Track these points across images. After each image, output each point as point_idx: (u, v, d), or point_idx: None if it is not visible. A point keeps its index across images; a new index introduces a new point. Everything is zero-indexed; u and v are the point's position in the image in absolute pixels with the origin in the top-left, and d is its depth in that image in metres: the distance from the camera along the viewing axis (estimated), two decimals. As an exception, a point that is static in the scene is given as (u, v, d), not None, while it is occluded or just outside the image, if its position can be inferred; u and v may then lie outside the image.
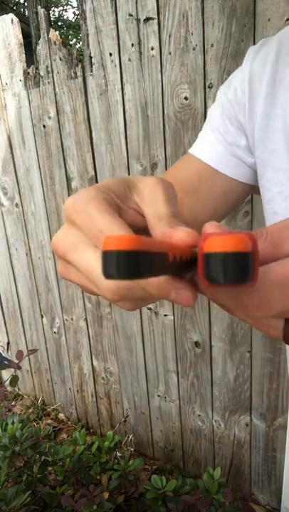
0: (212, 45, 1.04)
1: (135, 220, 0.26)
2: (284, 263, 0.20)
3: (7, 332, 2.04)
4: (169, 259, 0.19)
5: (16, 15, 1.47)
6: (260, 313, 0.21)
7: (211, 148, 0.54)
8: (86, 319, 1.64)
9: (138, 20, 1.14)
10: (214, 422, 1.42)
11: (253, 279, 0.16)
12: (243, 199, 0.58)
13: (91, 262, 0.23)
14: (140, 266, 0.16)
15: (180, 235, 0.21)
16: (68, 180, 1.48)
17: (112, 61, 1.23)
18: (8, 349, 2.08)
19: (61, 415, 1.94)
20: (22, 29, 1.46)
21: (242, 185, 0.54)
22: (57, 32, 1.35)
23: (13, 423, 1.35)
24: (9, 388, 2.14)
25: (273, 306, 0.21)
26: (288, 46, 0.46)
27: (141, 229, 0.26)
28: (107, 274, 0.17)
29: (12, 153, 1.62)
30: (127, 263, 0.16)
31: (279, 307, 0.21)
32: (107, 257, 0.17)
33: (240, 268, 0.16)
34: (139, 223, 0.26)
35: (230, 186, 0.54)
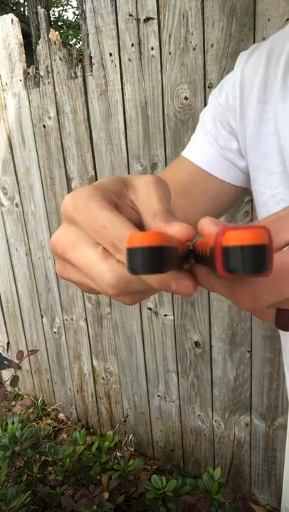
0: (212, 45, 1.04)
1: (131, 217, 0.27)
2: (277, 258, 0.21)
3: (7, 332, 2.04)
4: (178, 253, 0.20)
5: (16, 15, 1.47)
6: (252, 304, 0.21)
7: (204, 151, 0.54)
8: (86, 319, 1.64)
9: (138, 20, 1.14)
10: (214, 422, 1.42)
11: (269, 269, 0.17)
12: (236, 201, 0.59)
13: (90, 258, 0.23)
14: (164, 260, 0.17)
15: (176, 229, 0.22)
16: (68, 180, 1.48)
17: (112, 61, 1.23)
18: (8, 349, 2.08)
19: (61, 415, 1.94)
20: (22, 29, 1.46)
21: (234, 188, 0.55)
22: (57, 32, 1.35)
23: (13, 423, 1.35)
24: (9, 388, 2.14)
25: (265, 299, 0.21)
26: (279, 52, 0.46)
27: (137, 225, 0.26)
28: (132, 269, 0.18)
29: (12, 153, 1.62)
30: (153, 259, 0.17)
31: (270, 300, 0.21)
32: (132, 253, 0.17)
33: (258, 259, 0.17)
34: (135, 220, 0.26)
35: (223, 189, 0.55)
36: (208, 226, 0.22)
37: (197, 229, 0.23)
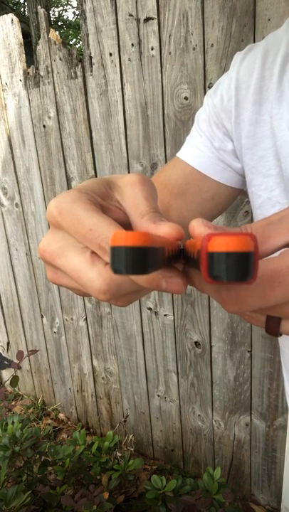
0: (212, 45, 1.04)
1: (119, 218, 0.26)
2: (264, 263, 0.21)
3: (7, 332, 2.04)
4: (166, 254, 0.19)
5: (16, 15, 1.47)
6: (236, 308, 0.21)
7: (199, 152, 0.54)
8: (86, 319, 1.64)
9: (138, 20, 1.14)
10: (214, 422, 1.41)
11: (253, 277, 0.16)
12: (231, 203, 0.59)
13: (79, 264, 0.23)
14: (148, 261, 0.17)
15: (164, 230, 0.22)
16: (68, 180, 1.48)
17: (112, 61, 1.23)
18: (8, 349, 2.08)
19: (61, 415, 1.94)
20: (22, 29, 1.46)
21: (230, 189, 0.55)
22: (57, 32, 1.35)
23: (13, 423, 1.35)
24: (9, 388, 2.14)
25: (250, 304, 0.21)
26: (274, 54, 0.46)
27: (125, 225, 0.26)
28: (115, 269, 0.17)
29: (12, 153, 1.62)
30: (137, 259, 0.16)
31: (256, 305, 0.21)
32: (115, 252, 0.17)
33: (242, 267, 0.16)
34: (122, 220, 0.26)
35: (218, 191, 0.54)
36: (199, 228, 0.22)
37: (188, 230, 0.23)
